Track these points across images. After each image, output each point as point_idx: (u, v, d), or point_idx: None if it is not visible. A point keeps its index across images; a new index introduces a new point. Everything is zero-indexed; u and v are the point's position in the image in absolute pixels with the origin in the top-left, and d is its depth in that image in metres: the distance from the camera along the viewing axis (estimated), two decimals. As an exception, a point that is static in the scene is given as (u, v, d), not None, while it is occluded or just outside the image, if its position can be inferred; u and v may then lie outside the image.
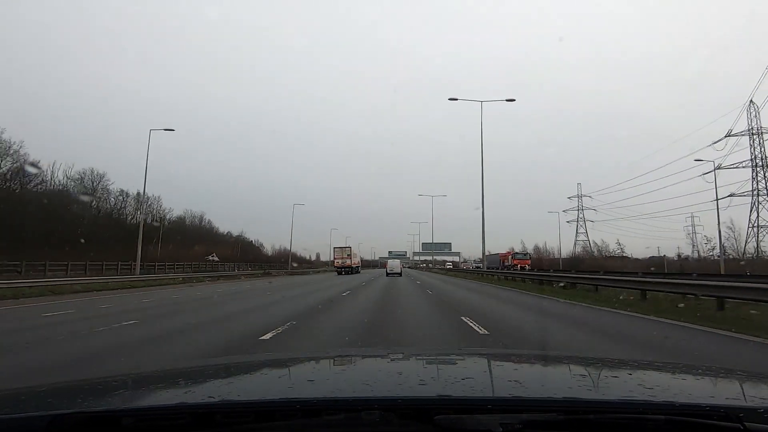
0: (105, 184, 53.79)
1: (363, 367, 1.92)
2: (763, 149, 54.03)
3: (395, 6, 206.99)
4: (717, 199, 42.51)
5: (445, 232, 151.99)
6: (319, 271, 69.87)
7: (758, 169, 54.30)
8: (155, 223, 54.76)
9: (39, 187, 46.04)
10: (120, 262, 37.04)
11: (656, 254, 65.38)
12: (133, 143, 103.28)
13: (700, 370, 1.82)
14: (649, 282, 15.20)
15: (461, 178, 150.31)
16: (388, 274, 46.27)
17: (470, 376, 1.59)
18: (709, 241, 58.65)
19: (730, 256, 52.21)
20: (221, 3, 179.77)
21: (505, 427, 1.03)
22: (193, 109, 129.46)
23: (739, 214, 68.93)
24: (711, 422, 1.05)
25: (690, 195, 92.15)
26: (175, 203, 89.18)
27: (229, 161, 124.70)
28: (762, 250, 54.75)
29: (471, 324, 9.39)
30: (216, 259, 54.55)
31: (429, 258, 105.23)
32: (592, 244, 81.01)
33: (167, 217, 63.11)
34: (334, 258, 60.02)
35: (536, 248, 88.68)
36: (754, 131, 53.48)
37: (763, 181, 54.75)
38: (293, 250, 74.27)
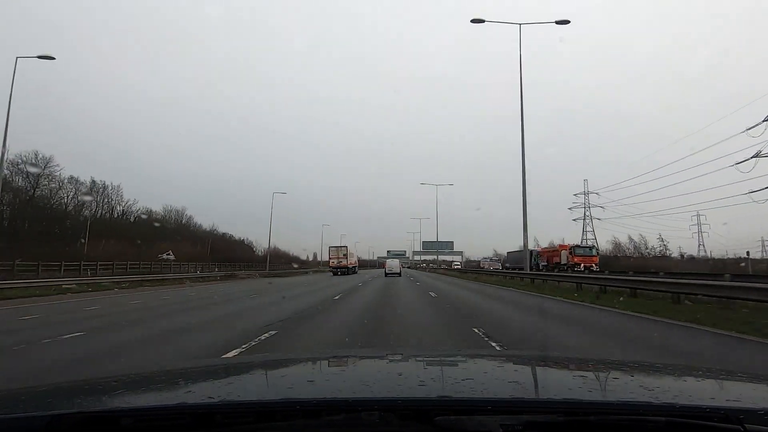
0: (51, 169, 48.09)
1: (363, 368, 1.91)
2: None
3: (395, 6, 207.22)
4: (754, 192, 36.41)
5: (446, 231, 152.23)
6: (308, 272, 65.33)
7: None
8: (105, 216, 49.98)
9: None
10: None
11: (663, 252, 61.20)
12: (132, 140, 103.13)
13: (700, 372, 1.82)
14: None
15: (462, 177, 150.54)
16: (387, 274, 46.52)
17: (470, 377, 1.58)
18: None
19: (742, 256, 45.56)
20: (221, 3, 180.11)
21: (506, 428, 1.03)
22: (193, 108, 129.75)
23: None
24: (711, 424, 1.04)
25: (707, 190, 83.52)
26: (174, 203, 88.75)
27: (229, 161, 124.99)
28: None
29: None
30: (171, 257, 46.19)
31: (430, 258, 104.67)
32: (613, 242, 69.57)
33: (135, 210, 58.82)
34: (329, 258, 56.62)
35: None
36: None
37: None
38: (292, 250, 73.14)
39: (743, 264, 41.09)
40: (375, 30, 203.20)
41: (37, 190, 48.45)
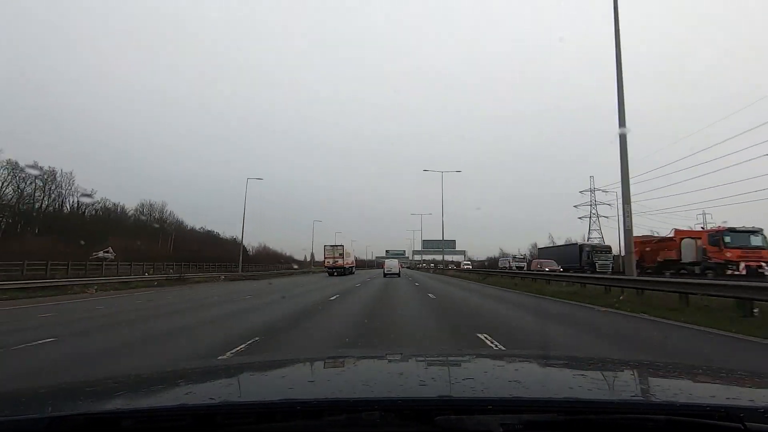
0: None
1: (363, 368, 1.91)
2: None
3: (395, 6, 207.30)
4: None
5: (447, 230, 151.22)
6: (293, 273, 58.94)
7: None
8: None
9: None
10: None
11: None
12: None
13: (700, 371, 1.82)
14: None
15: (461, 177, 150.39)
16: (385, 275, 46.16)
17: (470, 376, 1.58)
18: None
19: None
20: (221, 3, 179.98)
21: (506, 427, 1.03)
22: (192, 108, 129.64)
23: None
24: (712, 422, 1.05)
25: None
26: (176, 203, 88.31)
27: (229, 161, 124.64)
28: None
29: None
30: (110, 256, 38.87)
31: (430, 257, 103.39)
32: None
33: (90, 201, 52.41)
34: (325, 258, 52.52)
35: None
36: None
37: None
38: (289, 250, 70.26)
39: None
40: (375, 30, 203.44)
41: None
